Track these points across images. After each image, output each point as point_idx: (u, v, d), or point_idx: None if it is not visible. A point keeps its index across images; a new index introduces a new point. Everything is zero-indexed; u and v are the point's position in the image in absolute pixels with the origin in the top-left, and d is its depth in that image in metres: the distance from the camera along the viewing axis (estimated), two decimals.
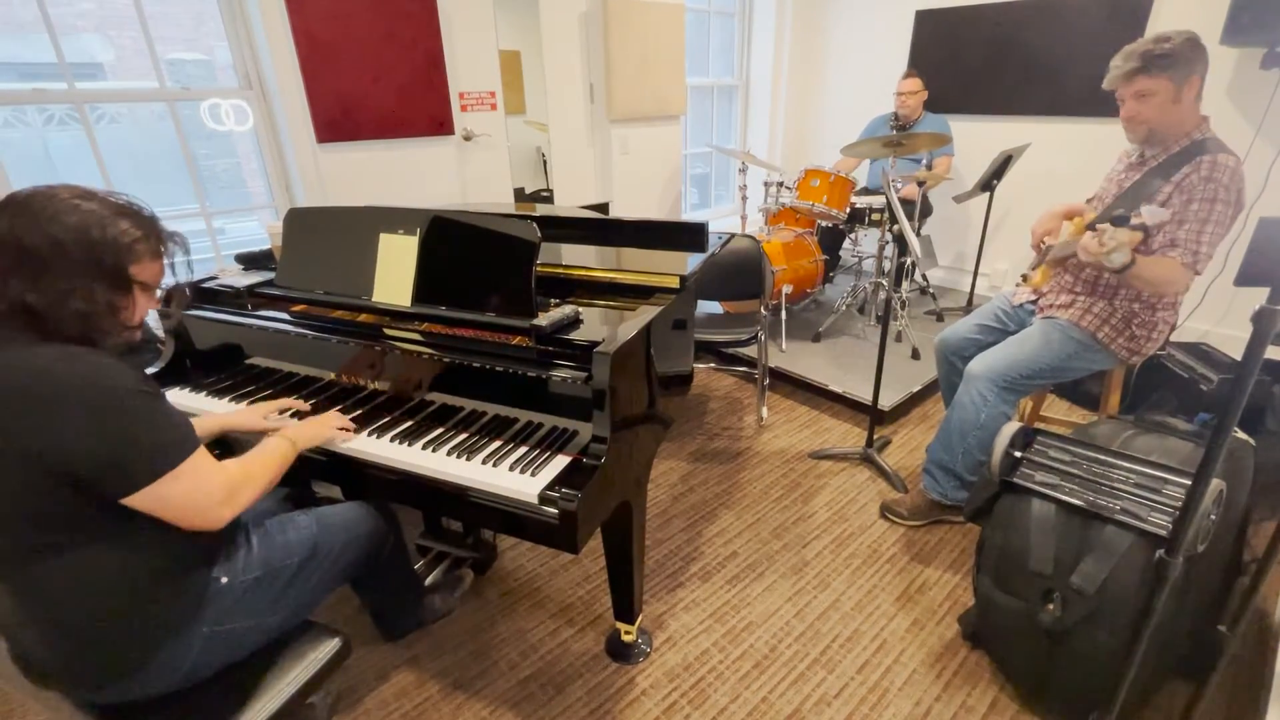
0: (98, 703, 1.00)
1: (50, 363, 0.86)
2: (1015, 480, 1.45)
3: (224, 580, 1.05)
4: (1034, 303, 1.99)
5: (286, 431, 1.21)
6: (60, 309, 0.88)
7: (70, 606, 0.93)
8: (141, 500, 0.89)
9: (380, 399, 1.45)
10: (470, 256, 1.41)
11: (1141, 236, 1.49)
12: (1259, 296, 0.81)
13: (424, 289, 1.43)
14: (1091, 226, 1.58)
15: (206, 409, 1.46)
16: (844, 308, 3.52)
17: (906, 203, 3.34)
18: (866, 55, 4.34)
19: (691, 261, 1.62)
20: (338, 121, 2.65)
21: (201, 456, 0.96)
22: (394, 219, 1.46)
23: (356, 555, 1.28)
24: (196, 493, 0.94)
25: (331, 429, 1.30)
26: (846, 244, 3.99)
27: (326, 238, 1.55)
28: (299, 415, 1.42)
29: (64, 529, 0.90)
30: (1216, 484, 1.20)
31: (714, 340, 2.64)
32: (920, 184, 3.21)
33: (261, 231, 2.75)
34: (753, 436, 2.63)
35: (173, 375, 1.60)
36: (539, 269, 1.36)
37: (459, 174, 3.13)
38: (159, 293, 1.03)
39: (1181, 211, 1.63)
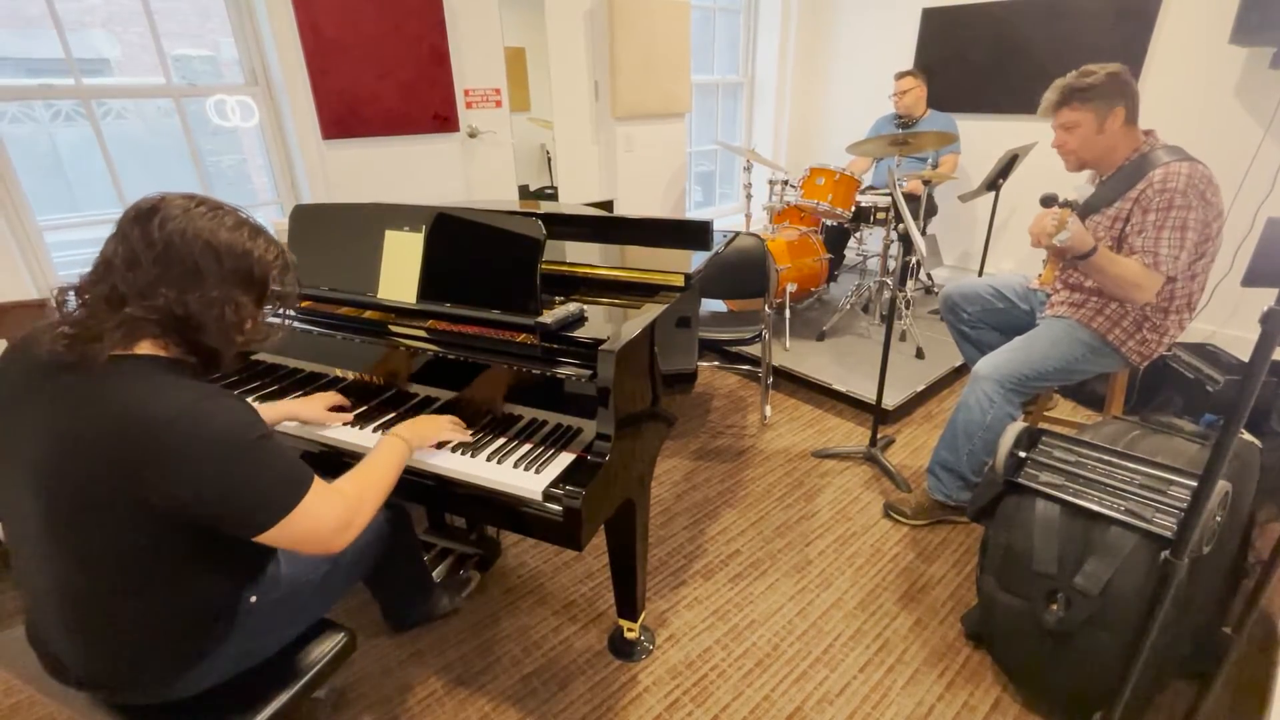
0: (115, 703, 1.01)
1: (181, 411, 0.82)
2: (1020, 480, 1.45)
3: (253, 600, 1.04)
4: (1048, 295, 1.99)
5: (399, 429, 1.18)
6: (207, 318, 0.88)
7: (122, 634, 0.93)
8: (267, 537, 0.89)
9: (385, 395, 1.45)
10: (475, 253, 1.42)
11: (1070, 212, 1.58)
12: (1265, 297, 0.81)
13: (429, 286, 1.44)
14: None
15: None
16: (848, 307, 3.51)
17: (911, 200, 3.33)
18: (872, 53, 4.33)
19: (696, 259, 1.62)
20: (343, 118, 2.65)
21: (317, 487, 0.94)
22: (399, 216, 1.46)
23: (373, 558, 1.29)
24: (317, 525, 0.93)
25: (445, 430, 1.26)
26: (851, 243, 3.98)
27: (332, 234, 1.55)
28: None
29: (150, 572, 0.89)
30: (1222, 485, 1.19)
31: (718, 338, 2.64)
32: (926, 182, 3.20)
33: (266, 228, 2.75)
34: (756, 435, 2.63)
35: None
36: (543, 266, 1.36)
37: (464, 171, 3.13)
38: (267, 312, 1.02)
39: (1140, 222, 1.68)
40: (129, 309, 0.84)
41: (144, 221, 0.86)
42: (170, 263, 0.85)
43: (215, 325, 0.89)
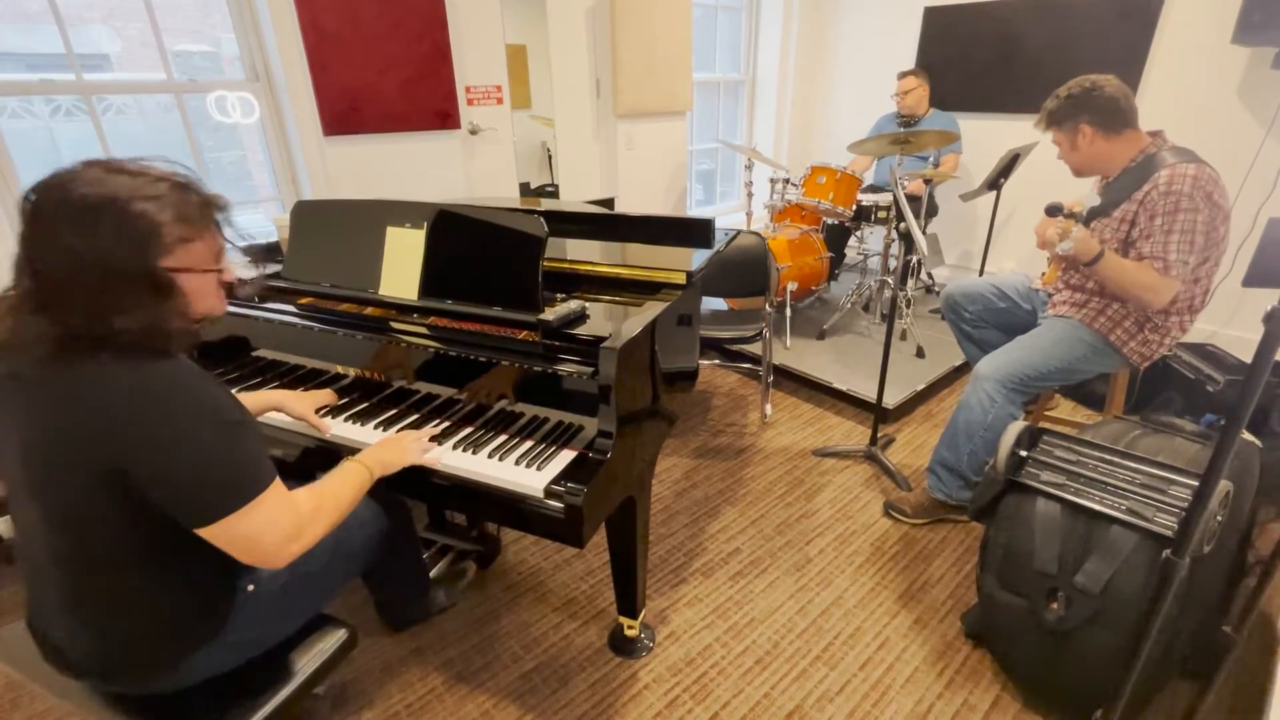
0: (115, 693, 1.01)
1: (152, 379, 0.81)
2: (1020, 479, 1.45)
3: (251, 589, 1.04)
4: (1050, 295, 1.99)
5: (365, 457, 1.14)
6: (103, 328, 0.79)
7: (120, 616, 0.93)
8: (212, 532, 0.87)
9: (386, 392, 1.45)
10: (477, 251, 1.41)
11: (1074, 223, 1.58)
12: (1266, 298, 0.81)
13: (430, 283, 1.43)
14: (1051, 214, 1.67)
15: None
16: (849, 305, 3.51)
17: (913, 200, 3.32)
18: (874, 52, 4.32)
19: (697, 258, 1.62)
20: (344, 114, 2.65)
21: (275, 491, 0.90)
22: (401, 212, 1.46)
23: (372, 552, 1.29)
24: (265, 529, 0.89)
25: (414, 452, 1.22)
26: (852, 241, 3.98)
27: (334, 231, 1.55)
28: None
29: (125, 545, 0.89)
30: (1223, 485, 1.19)
31: (718, 337, 2.64)
32: (927, 181, 3.20)
33: (267, 224, 2.75)
34: (756, 433, 2.63)
35: None
36: (545, 264, 1.36)
37: (465, 168, 3.12)
38: (223, 269, 0.92)
39: (1147, 227, 1.66)
40: (33, 326, 0.79)
41: (26, 219, 0.79)
42: (44, 274, 0.79)
43: (121, 335, 0.80)
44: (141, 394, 0.81)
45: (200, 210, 0.87)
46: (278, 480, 0.92)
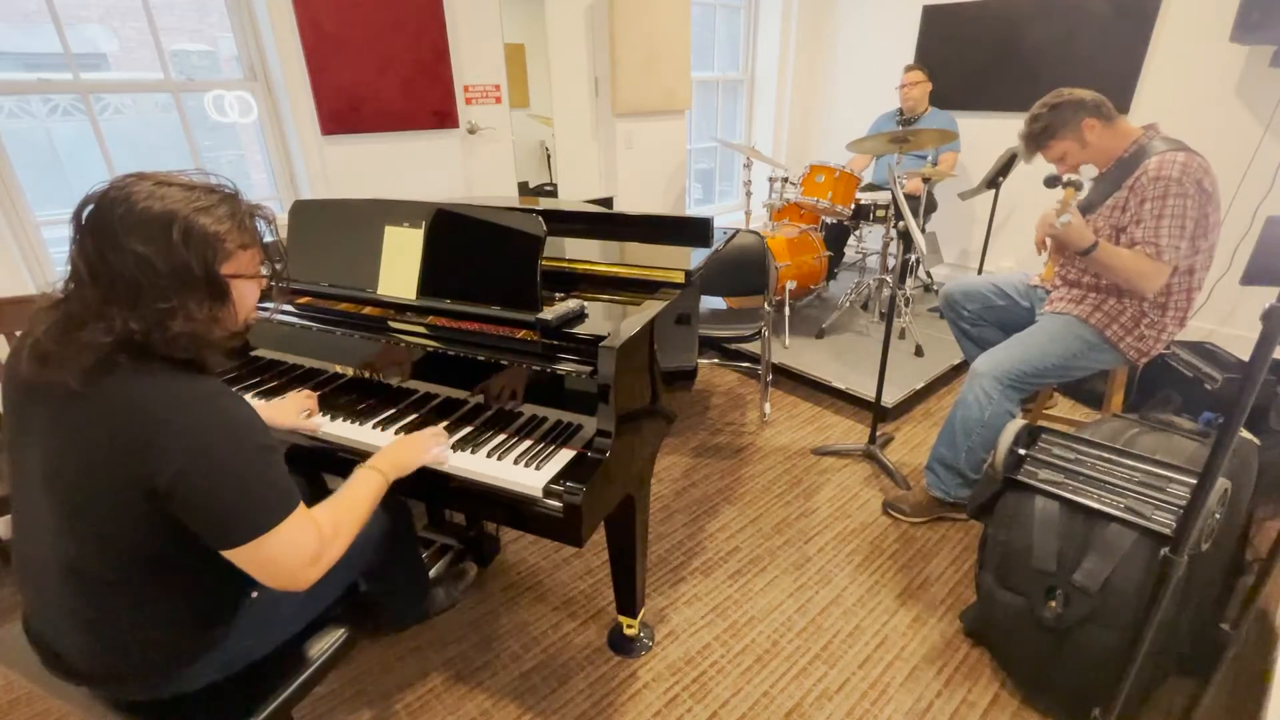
0: (116, 698, 1.01)
1: (193, 394, 0.83)
2: (1019, 477, 1.45)
3: (254, 594, 1.04)
4: (1048, 292, 2.00)
5: (378, 462, 1.12)
6: (163, 333, 0.82)
7: (133, 626, 0.93)
8: (236, 554, 0.86)
9: (385, 392, 1.45)
10: (475, 250, 1.41)
11: (1074, 192, 1.59)
12: (1263, 295, 0.81)
13: (429, 282, 1.43)
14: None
15: None
16: (848, 304, 3.51)
17: (911, 198, 3.33)
18: (873, 51, 4.32)
19: (696, 257, 1.61)
20: (342, 114, 2.65)
21: (300, 515, 0.90)
22: (399, 212, 1.46)
23: (373, 553, 1.29)
24: (288, 553, 0.89)
25: (428, 450, 1.20)
26: (851, 240, 3.98)
27: (332, 230, 1.55)
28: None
29: (142, 559, 0.89)
30: (1222, 483, 1.20)
31: (717, 336, 2.64)
32: (925, 179, 3.20)
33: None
34: (755, 432, 2.63)
35: None
36: (543, 263, 1.36)
37: (463, 167, 3.12)
38: (263, 275, 0.96)
39: (1137, 212, 1.68)
40: (85, 335, 0.80)
41: (86, 230, 0.82)
42: (111, 280, 0.81)
43: (178, 340, 0.83)
44: (188, 406, 0.82)
45: (250, 219, 0.92)
46: (302, 504, 0.92)
